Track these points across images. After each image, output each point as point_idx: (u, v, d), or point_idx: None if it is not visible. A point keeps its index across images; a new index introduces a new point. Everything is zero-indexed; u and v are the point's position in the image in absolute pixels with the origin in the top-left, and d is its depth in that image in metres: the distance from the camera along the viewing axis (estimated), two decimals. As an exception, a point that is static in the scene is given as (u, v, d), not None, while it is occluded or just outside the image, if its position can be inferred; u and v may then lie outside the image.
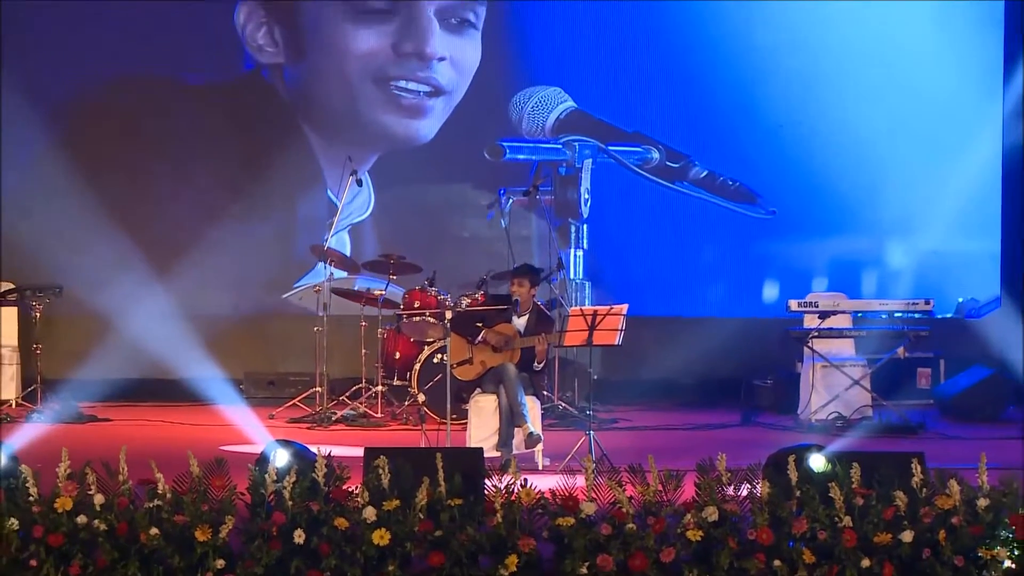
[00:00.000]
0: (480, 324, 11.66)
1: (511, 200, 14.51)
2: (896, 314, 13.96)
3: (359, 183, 14.02)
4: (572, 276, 14.57)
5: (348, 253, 14.61)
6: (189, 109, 15.01)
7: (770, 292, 15.16)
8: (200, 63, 15.04)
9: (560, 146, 14.84)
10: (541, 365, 11.64)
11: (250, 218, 14.98)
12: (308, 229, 14.93)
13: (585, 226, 14.80)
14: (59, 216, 14.79)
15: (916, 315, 13.90)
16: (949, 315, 14.31)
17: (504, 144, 14.80)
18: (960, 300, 14.77)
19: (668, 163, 15.00)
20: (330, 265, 13.75)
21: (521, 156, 14.82)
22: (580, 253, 14.78)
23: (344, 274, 13.97)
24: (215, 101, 15.02)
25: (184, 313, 14.59)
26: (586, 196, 14.74)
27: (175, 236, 14.93)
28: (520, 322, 11.65)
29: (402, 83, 14.86)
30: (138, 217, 14.97)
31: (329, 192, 14.98)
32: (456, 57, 14.85)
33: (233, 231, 14.87)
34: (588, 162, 14.76)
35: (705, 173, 15.05)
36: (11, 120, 14.77)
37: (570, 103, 15.01)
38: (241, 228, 14.90)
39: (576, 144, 14.81)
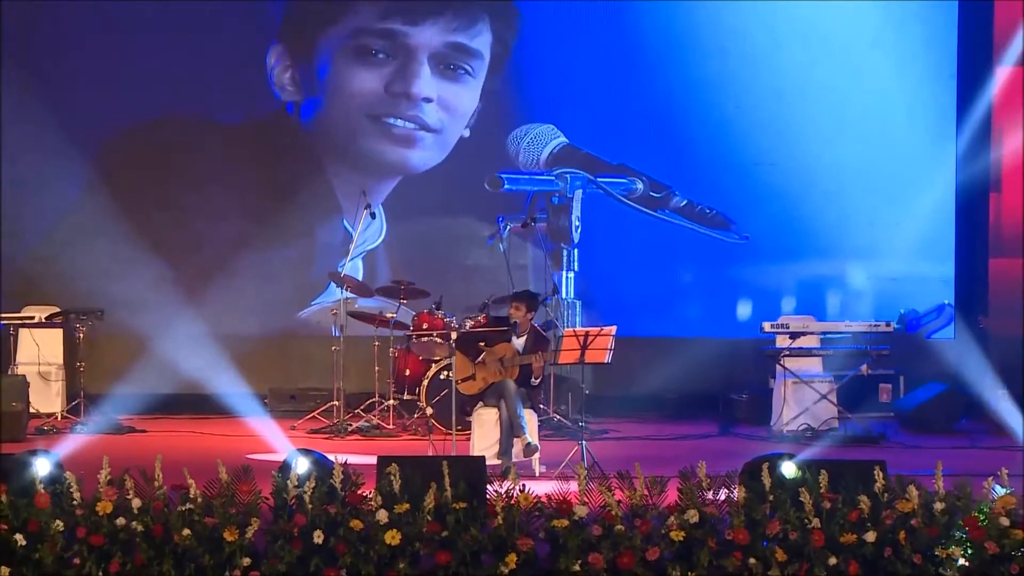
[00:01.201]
0: (483, 344, 11.66)
1: (508, 227, 14.51)
2: (860, 335, 13.96)
3: (372, 216, 14.03)
4: (564, 296, 14.56)
5: (361, 278, 14.59)
6: (218, 146, 15.01)
7: (743, 311, 15.15)
8: (228, 104, 15.04)
9: (553, 178, 14.84)
10: (538, 380, 11.62)
11: (273, 246, 14.97)
12: (325, 256, 14.92)
13: (576, 250, 14.79)
14: (101, 246, 14.77)
15: (877, 335, 13.91)
16: (892, 322, 14.30)
17: (503, 176, 14.81)
18: (902, 311, 14.75)
19: (651, 193, 15.00)
20: (345, 290, 13.74)
21: (518, 187, 14.83)
22: (571, 275, 14.77)
23: (353, 296, 13.95)
24: (242, 138, 15.03)
25: (213, 334, 14.58)
26: (577, 223, 14.74)
27: (206, 263, 14.91)
28: (519, 342, 11.65)
29: (391, 119, 14.91)
30: (172, 246, 14.96)
31: (345, 222, 14.99)
32: (446, 99, 14.88)
33: (258, 258, 14.87)
34: (579, 192, 14.75)
35: (684, 202, 15.05)
36: (57, 154, 14.77)
37: (562, 139, 15.03)
38: (265, 255, 14.90)
39: (568, 176, 14.81)
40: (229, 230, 14.99)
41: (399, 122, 14.89)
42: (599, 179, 14.84)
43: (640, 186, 14.98)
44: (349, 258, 14.07)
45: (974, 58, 14.98)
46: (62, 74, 14.99)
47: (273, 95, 15.05)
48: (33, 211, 14.94)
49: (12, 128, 14.83)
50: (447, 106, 14.93)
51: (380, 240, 15.05)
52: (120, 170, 14.99)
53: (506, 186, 14.77)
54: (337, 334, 13.74)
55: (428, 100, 14.86)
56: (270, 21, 15.06)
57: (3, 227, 14.83)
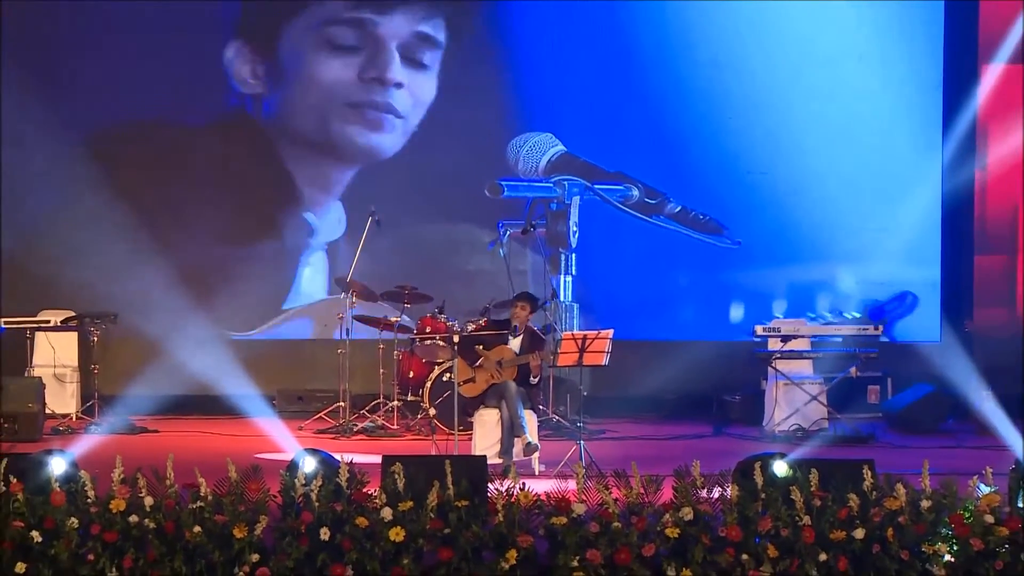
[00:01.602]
0: (480, 347, 11.66)
1: (508, 232, 14.51)
2: (849, 338, 13.97)
3: (378, 223, 14.02)
4: (562, 299, 14.56)
5: (327, 271, 14.80)
6: (192, 148, 15.03)
7: (736, 314, 15.15)
8: (194, 105, 15.05)
9: (551, 185, 14.84)
10: (536, 379, 11.63)
11: (245, 245, 15.01)
12: (294, 253, 15.08)
13: (573, 255, 14.78)
14: (113, 253, 14.76)
15: (866, 338, 13.93)
16: (856, 315, 14.35)
17: (502, 183, 14.81)
18: (864, 301, 14.76)
19: (646, 199, 15.00)
20: (352, 295, 13.74)
21: (517, 194, 14.84)
22: (569, 279, 14.76)
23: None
24: (213, 139, 15.04)
25: (223, 336, 14.62)
26: (574, 229, 14.74)
27: (211, 267, 14.92)
28: (515, 343, 11.65)
29: (364, 106, 14.94)
30: (181, 252, 14.95)
31: (306, 215, 15.03)
32: (412, 86, 14.94)
33: (244, 258, 14.92)
34: (576, 199, 14.75)
35: (679, 208, 15.05)
36: (63, 160, 14.77)
37: (560, 147, 15.03)
38: (239, 255, 14.94)
39: (565, 183, 14.81)
40: (221, 232, 14.99)
41: (371, 109, 14.93)
42: (596, 186, 14.84)
43: (636, 193, 14.98)
44: (354, 264, 14.06)
45: (959, 69, 14.99)
46: (62, 74, 14.95)
47: (230, 92, 15.02)
48: (45, 216, 14.91)
49: (15, 129, 14.80)
50: (412, 93, 15.01)
51: (342, 233, 15.06)
52: (120, 174, 14.92)
53: (506, 193, 14.77)
54: (343, 337, 13.74)
55: (399, 86, 14.91)
56: (222, 20, 15.04)
57: (20, 233, 14.83)
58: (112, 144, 15.02)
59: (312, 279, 15.17)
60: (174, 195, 15.06)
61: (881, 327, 13.98)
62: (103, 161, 14.91)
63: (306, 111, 15.10)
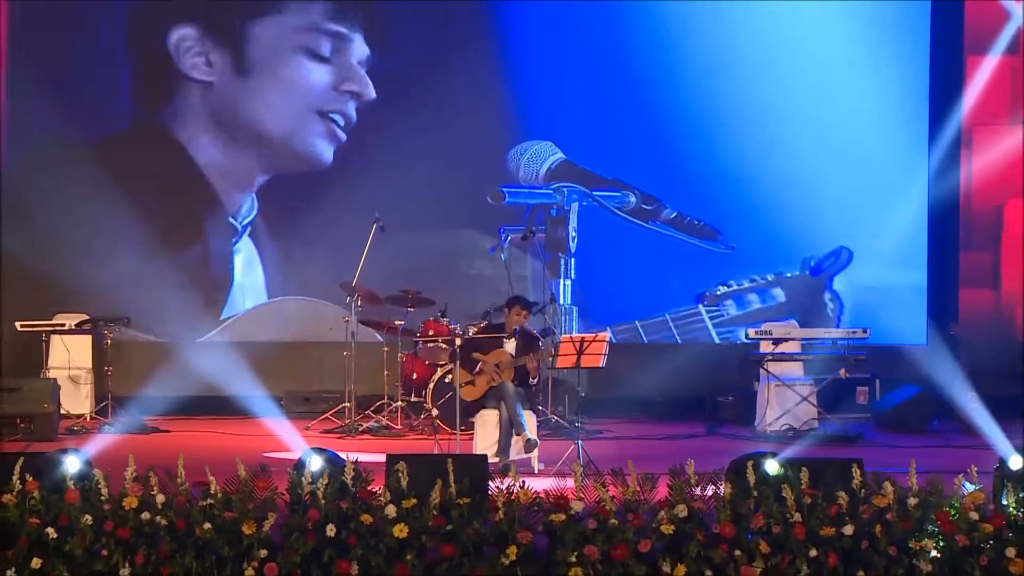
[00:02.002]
0: (477, 354, 11.64)
1: (509, 237, 14.53)
2: (838, 341, 13.98)
3: (382, 229, 14.00)
4: (561, 302, 14.56)
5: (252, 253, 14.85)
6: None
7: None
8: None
9: (551, 191, 14.86)
10: (535, 380, 11.64)
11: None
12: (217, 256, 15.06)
13: (572, 259, 14.80)
14: (125, 260, 14.76)
15: (854, 341, 13.94)
16: (796, 273, 14.46)
17: (504, 190, 14.83)
18: (804, 259, 14.84)
19: (643, 206, 15.02)
20: (357, 299, 13.74)
21: (518, 200, 14.85)
22: (568, 283, 14.77)
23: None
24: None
25: (232, 339, 14.64)
26: (573, 234, 14.75)
27: (218, 273, 14.95)
28: (510, 346, 11.65)
29: (335, 116, 14.93)
30: (191, 259, 14.96)
31: (230, 218, 15.04)
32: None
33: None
34: (575, 205, 14.77)
35: (674, 214, 15.07)
36: (72, 167, 14.74)
37: (560, 155, 15.05)
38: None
39: (565, 190, 14.83)
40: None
41: (339, 119, 14.94)
42: (594, 193, 14.86)
43: (633, 199, 15.00)
44: (359, 270, 14.06)
45: (945, 81, 15.03)
46: (69, 82, 14.92)
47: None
48: (56, 223, 14.92)
49: (24, 136, 14.81)
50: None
51: (253, 215, 15.04)
52: (122, 179, 14.91)
53: (507, 199, 14.79)
54: (349, 340, 13.74)
55: (364, 100, 14.93)
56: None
57: (33, 240, 14.83)
58: (114, 150, 14.98)
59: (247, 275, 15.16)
60: (175, 198, 15.06)
61: (868, 331, 13.98)
62: (108, 167, 14.87)
63: (265, 107, 15.00)
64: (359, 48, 14.90)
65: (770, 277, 14.62)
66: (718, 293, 14.50)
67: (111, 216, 14.67)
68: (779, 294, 14.30)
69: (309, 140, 14.97)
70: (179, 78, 14.95)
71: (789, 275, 14.17)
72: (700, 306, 14.70)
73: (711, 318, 14.66)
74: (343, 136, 14.93)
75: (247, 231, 15.05)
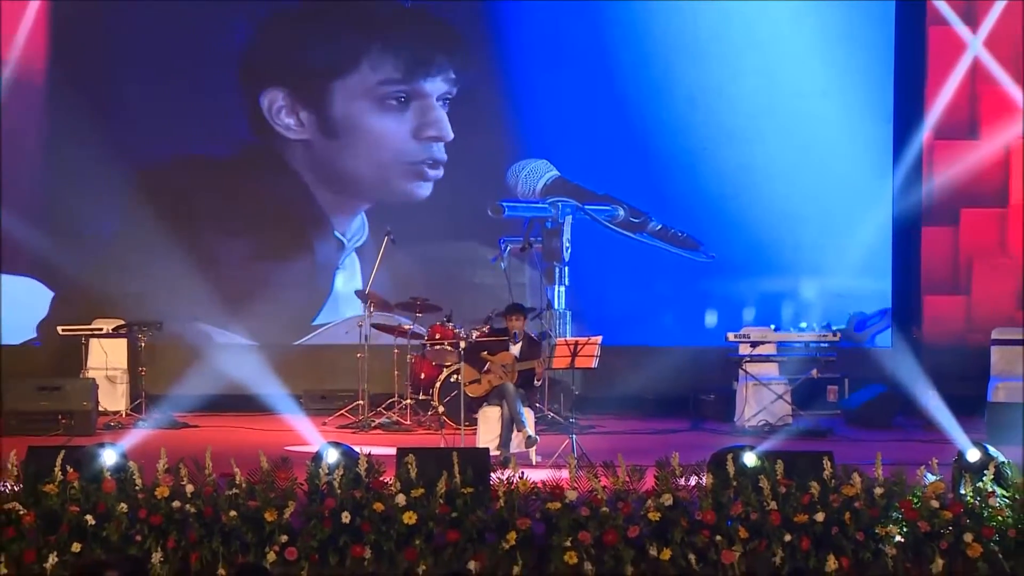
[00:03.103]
0: (485, 353, 11.67)
1: (509, 248, 14.53)
2: (810, 344, 13.99)
3: (393, 242, 14.02)
4: (556, 307, 14.55)
5: (359, 275, 14.80)
6: (218, 179, 15.03)
7: (710, 321, 15.16)
8: (223, 139, 15.04)
9: (547, 205, 14.82)
10: (540, 382, 11.69)
11: (286, 262, 15.02)
12: (325, 268, 15.08)
13: (567, 268, 14.76)
14: (159, 267, 14.75)
15: (825, 344, 13.94)
16: (843, 327, 14.38)
17: (503, 204, 14.80)
18: (851, 313, 14.79)
19: (631, 218, 15.01)
20: (370, 305, 13.75)
21: (517, 214, 14.85)
22: (562, 289, 14.72)
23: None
24: (237, 170, 15.03)
25: (256, 343, 14.64)
26: (567, 244, 14.71)
27: (244, 280, 14.94)
28: (515, 349, 11.67)
29: (419, 160, 14.96)
30: (220, 267, 14.95)
31: (336, 233, 15.05)
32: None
33: (277, 273, 14.91)
34: (569, 218, 14.72)
35: (660, 226, 15.06)
36: (109, 185, 14.77)
37: (555, 172, 15.04)
38: (276, 269, 14.94)
39: (559, 204, 14.79)
40: (254, 252, 14.99)
41: (427, 161, 14.97)
42: (586, 207, 14.85)
43: (622, 212, 14.99)
44: (372, 277, 14.06)
45: (908, 103, 15.05)
46: (111, 98, 14.88)
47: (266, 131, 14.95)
48: (97, 236, 14.93)
49: (69, 150, 14.81)
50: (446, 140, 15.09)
51: (364, 238, 15.06)
52: (168, 197, 14.91)
53: (506, 213, 14.78)
54: (363, 343, 13.74)
55: (445, 140, 14.98)
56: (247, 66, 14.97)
57: (76, 252, 14.83)
58: (157, 173, 15.00)
59: (347, 286, 15.17)
60: (210, 219, 15.07)
61: (839, 334, 13.97)
62: (150, 189, 14.90)
63: (356, 160, 15.06)
64: (436, 87, 14.95)
65: (816, 328, 14.36)
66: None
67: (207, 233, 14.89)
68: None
69: (403, 184, 15.02)
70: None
71: (831, 334, 14.07)
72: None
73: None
74: (437, 174, 14.94)
75: (354, 249, 15.07)
